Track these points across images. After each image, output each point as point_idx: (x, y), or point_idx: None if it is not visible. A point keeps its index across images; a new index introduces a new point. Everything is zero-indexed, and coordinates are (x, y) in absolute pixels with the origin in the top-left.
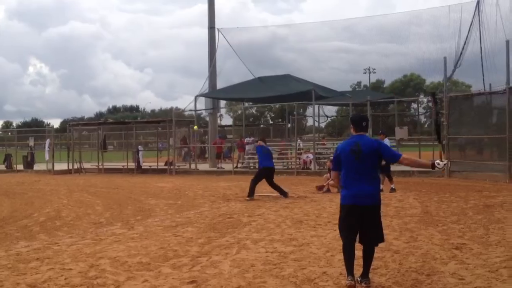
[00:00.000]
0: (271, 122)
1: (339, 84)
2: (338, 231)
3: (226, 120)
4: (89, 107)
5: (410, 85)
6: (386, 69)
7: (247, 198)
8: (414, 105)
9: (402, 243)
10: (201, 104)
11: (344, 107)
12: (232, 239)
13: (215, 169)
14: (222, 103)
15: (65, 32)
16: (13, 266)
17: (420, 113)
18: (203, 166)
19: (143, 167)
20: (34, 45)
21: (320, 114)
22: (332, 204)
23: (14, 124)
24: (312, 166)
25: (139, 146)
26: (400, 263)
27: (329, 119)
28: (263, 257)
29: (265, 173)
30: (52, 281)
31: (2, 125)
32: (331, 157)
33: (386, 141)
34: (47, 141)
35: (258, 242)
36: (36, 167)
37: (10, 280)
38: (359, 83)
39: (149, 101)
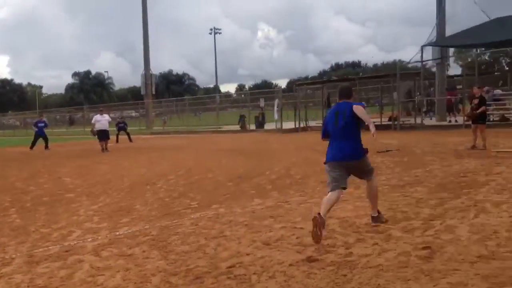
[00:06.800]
0: (507, 68)
1: None
2: None
3: (454, 69)
4: (313, 66)
5: None
6: None
7: None
8: None
9: None
10: (427, 54)
11: None
12: (468, 201)
13: (444, 123)
14: (450, 51)
15: None
16: (249, 223)
17: None
18: (430, 121)
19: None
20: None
21: None
22: None
23: (246, 87)
24: None
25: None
26: None
27: None
28: (507, 223)
29: None
30: (285, 240)
31: (236, 88)
32: None
33: None
34: (276, 101)
35: (499, 205)
36: (266, 126)
37: (247, 237)
38: None
39: (371, 55)
